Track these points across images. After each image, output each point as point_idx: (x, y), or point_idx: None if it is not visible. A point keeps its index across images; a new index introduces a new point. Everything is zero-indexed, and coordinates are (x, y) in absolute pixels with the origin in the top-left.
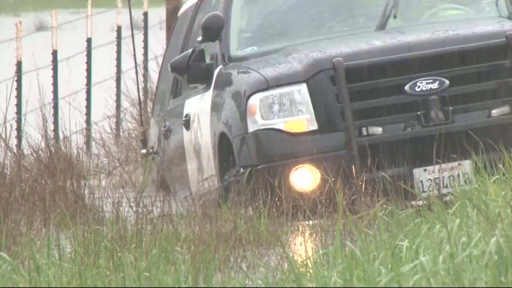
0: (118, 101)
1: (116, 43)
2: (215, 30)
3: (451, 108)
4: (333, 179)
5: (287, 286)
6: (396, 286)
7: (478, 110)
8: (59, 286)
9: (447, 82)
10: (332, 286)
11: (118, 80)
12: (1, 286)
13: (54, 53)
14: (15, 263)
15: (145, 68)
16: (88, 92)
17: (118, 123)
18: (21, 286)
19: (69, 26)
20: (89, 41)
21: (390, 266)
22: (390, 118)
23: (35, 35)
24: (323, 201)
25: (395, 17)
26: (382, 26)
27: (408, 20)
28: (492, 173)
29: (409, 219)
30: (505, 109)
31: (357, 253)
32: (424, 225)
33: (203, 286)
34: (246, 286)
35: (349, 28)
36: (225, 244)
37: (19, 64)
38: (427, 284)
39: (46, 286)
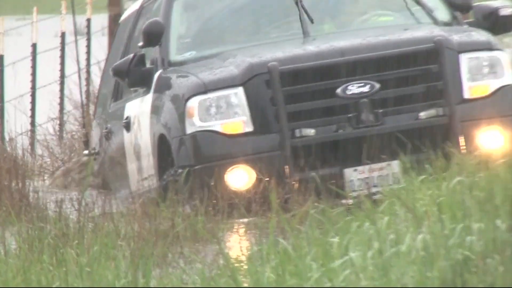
0: (61, 104)
1: (60, 48)
2: (155, 35)
3: (381, 110)
4: (267, 179)
5: (223, 285)
6: (327, 281)
7: (407, 113)
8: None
9: (377, 85)
10: (266, 282)
11: (62, 84)
12: None
13: (1, 58)
14: None
15: (88, 72)
16: (33, 96)
17: (61, 125)
18: None
19: (15, 32)
20: (34, 46)
21: (321, 262)
22: (322, 120)
23: None
24: (258, 200)
25: (312, 22)
26: (305, 33)
27: (340, 26)
28: (419, 173)
29: (339, 217)
30: (432, 112)
31: (290, 250)
32: (354, 223)
33: (142, 280)
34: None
35: (284, 33)
36: (163, 241)
37: None
38: (356, 279)
39: None
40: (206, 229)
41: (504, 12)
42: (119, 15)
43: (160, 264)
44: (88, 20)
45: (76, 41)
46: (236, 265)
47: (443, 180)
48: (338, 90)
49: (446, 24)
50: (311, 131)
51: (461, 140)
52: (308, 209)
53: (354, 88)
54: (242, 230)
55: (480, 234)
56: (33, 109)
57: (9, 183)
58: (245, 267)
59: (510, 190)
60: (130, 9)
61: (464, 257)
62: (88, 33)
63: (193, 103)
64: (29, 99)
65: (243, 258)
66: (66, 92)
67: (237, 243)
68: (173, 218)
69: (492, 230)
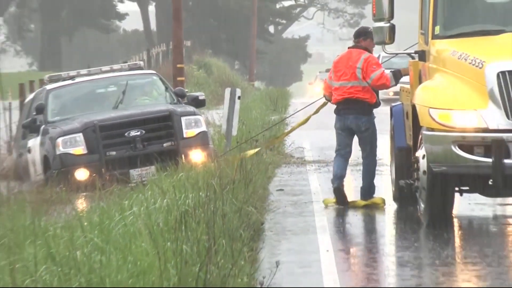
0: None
1: None
2: (41, 109)
3: (146, 143)
4: (94, 175)
5: (75, 225)
6: (123, 220)
7: (158, 144)
8: None
9: (143, 131)
10: (95, 221)
11: None
12: None
13: None
14: None
15: (10, 127)
16: None
17: None
18: None
19: None
20: None
21: (120, 212)
22: (119, 147)
23: None
24: (90, 184)
25: (121, 103)
26: (115, 107)
27: (128, 103)
28: (164, 172)
29: (128, 192)
30: (169, 143)
31: (105, 207)
32: (134, 194)
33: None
34: None
35: (102, 106)
36: (46, 204)
37: None
38: (136, 220)
39: None
40: (66, 197)
41: (200, 97)
42: (24, 100)
43: (47, 213)
44: (10, 103)
45: (4, 111)
46: (80, 214)
47: (175, 175)
48: (126, 134)
49: (175, 103)
50: (113, 153)
51: (182, 157)
52: (113, 188)
53: (133, 133)
54: (83, 198)
55: (193, 199)
56: None
57: None
58: (85, 215)
59: (206, 178)
60: (29, 97)
61: (185, 209)
62: (10, 109)
63: (59, 140)
64: None
65: (84, 211)
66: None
67: (81, 204)
68: (50, 192)
69: (193, 196)
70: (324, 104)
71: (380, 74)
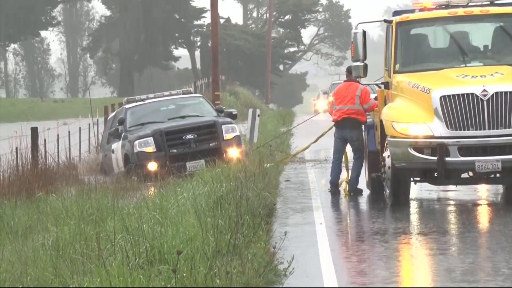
0: (89, 145)
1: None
2: (121, 121)
3: (197, 143)
4: (165, 168)
5: (140, 206)
6: (176, 204)
7: (206, 144)
8: None
9: (196, 135)
10: (156, 201)
11: (89, 139)
12: None
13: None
14: None
15: (97, 136)
16: (80, 145)
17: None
18: None
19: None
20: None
21: (173, 196)
22: (179, 147)
23: None
24: (159, 175)
25: (178, 116)
26: (174, 119)
27: (183, 118)
28: (211, 165)
29: (182, 181)
30: (214, 143)
31: (165, 194)
32: (188, 184)
33: (121, 203)
34: None
35: (164, 118)
36: (122, 191)
37: None
38: (185, 202)
39: None
40: (137, 185)
41: (234, 112)
42: (108, 117)
43: (123, 197)
44: (97, 119)
45: (93, 126)
46: (146, 198)
47: (213, 170)
48: (183, 137)
49: (217, 116)
50: (174, 150)
51: (224, 154)
52: (171, 179)
53: (188, 136)
54: (149, 186)
55: (226, 187)
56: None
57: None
58: (150, 199)
59: (235, 172)
60: (111, 114)
61: (220, 194)
62: (97, 123)
63: (136, 142)
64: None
65: (151, 195)
66: (92, 141)
67: (150, 190)
68: (126, 182)
69: (225, 185)
70: (329, 128)
71: (373, 103)
